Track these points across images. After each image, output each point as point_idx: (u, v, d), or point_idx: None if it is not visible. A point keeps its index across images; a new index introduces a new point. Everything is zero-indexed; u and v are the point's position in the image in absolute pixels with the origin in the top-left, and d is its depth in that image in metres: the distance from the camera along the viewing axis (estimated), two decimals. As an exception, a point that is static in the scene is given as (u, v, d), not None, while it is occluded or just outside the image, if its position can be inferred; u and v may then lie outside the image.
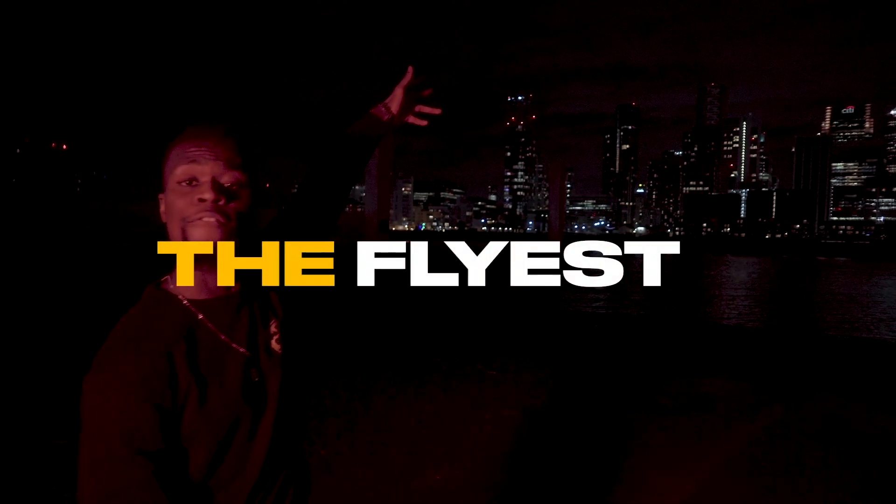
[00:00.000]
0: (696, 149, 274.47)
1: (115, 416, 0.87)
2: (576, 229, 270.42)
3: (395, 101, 1.32)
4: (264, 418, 1.01)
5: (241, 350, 1.01)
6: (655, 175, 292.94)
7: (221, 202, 0.95)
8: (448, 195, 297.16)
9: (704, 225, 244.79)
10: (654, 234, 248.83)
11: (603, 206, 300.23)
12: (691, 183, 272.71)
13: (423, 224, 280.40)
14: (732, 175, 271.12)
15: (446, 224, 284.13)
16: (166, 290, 1.01)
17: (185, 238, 0.96)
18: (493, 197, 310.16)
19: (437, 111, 1.36)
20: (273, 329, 1.08)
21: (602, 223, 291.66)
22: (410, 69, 1.30)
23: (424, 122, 1.35)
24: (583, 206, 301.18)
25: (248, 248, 1.01)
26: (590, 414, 5.41)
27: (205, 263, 0.97)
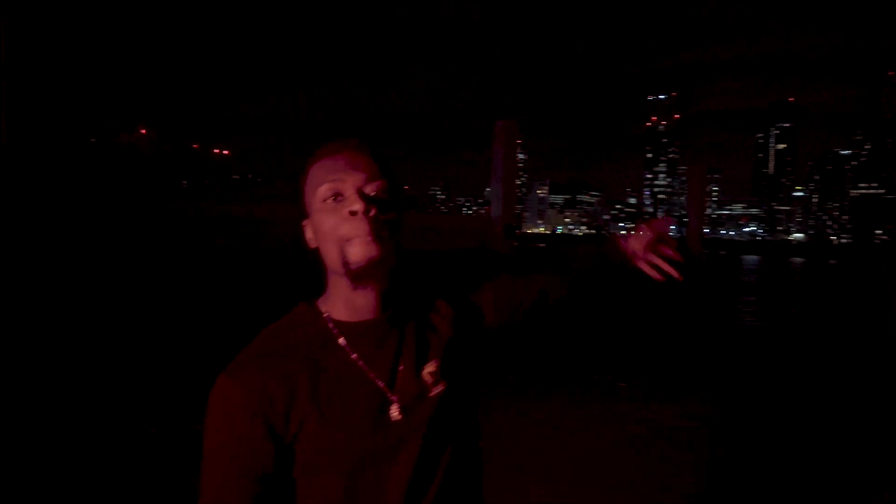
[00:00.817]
0: (867, 147, 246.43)
1: (229, 430, 0.89)
2: (722, 234, 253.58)
3: (641, 241, 1.19)
4: (399, 464, 0.92)
5: (379, 382, 0.94)
6: (816, 176, 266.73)
7: (372, 213, 0.93)
8: (585, 198, 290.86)
9: (879, 232, 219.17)
10: (814, 242, 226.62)
11: (754, 211, 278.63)
12: (861, 185, 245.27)
13: (560, 227, 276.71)
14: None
15: (583, 227, 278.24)
16: (315, 308, 1.00)
17: (343, 257, 0.94)
18: (632, 200, 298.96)
19: (679, 277, 1.21)
20: (432, 361, 1.00)
21: (753, 228, 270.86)
22: (667, 220, 1.19)
23: (659, 277, 1.17)
24: (731, 210, 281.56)
25: (398, 260, 0.98)
26: (732, 442, 4.89)
27: (362, 282, 0.95)
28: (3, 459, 3.78)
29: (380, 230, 0.93)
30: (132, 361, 6.67)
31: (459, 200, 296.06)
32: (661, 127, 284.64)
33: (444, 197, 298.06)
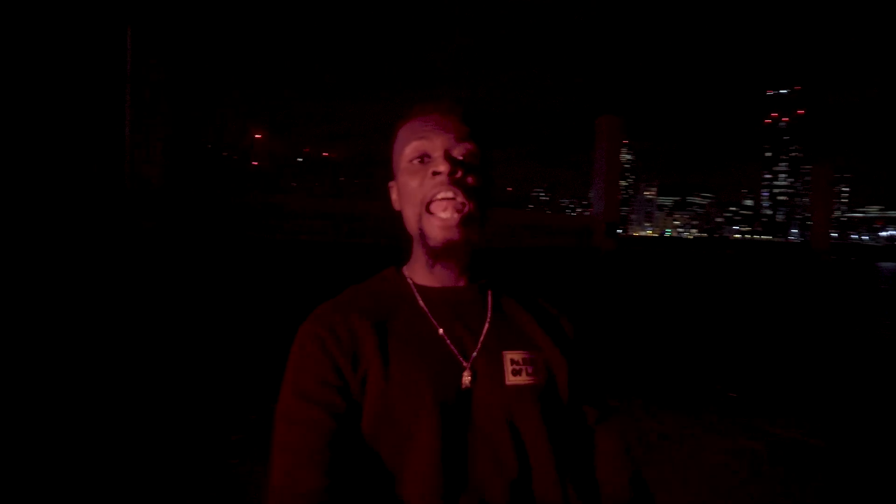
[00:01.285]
0: None
1: (302, 362, 0.88)
2: (854, 239, 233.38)
3: None
4: (453, 436, 0.84)
5: (453, 348, 0.90)
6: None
7: (458, 175, 0.90)
8: (696, 200, 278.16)
9: None
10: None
11: (893, 213, 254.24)
12: None
13: (668, 230, 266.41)
14: None
15: (693, 230, 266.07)
16: (401, 272, 0.99)
17: (421, 220, 0.91)
18: (748, 202, 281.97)
19: None
20: (519, 350, 0.92)
21: (892, 233, 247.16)
22: None
23: None
24: (864, 212, 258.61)
25: (482, 232, 0.94)
26: (863, 467, 4.35)
27: (439, 259, 0.93)
28: (120, 438, 4.00)
29: (464, 197, 0.89)
30: (248, 349, 6.96)
31: (564, 202, 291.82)
32: (781, 123, 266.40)
33: (547, 199, 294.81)
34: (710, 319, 11.20)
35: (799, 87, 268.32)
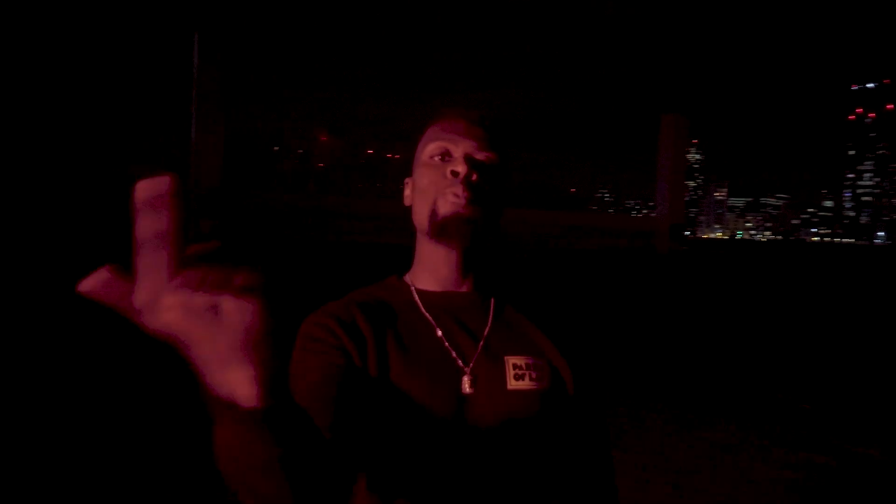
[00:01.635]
0: None
1: (304, 346, 0.89)
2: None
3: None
4: (451, 444, 0.84)
5: (453, 352, 0.90)
6: None
7: (474, 177, 0.92)
8: (770, 201, 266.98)
9: None
10: None
11: None
12: None
13: (740, 232, 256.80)
14: None
15: (767, 233, 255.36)
16: (403, 279, 1.01)
17: (430, 215, 0.94)
18: (828, 203, 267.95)
19: None
20: (522, 355, 0.92)
21: None
22: None
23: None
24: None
25: (486, 242, 0.97)
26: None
27: (444, 237, 0.94)
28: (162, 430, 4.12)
29: (476, 197, 0.92)
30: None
31: (629, 203, 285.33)
32: (867, 120, 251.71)
33: (611, 199, 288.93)
34: (783, 328, 10.68)
35: (888, 81, 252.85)
